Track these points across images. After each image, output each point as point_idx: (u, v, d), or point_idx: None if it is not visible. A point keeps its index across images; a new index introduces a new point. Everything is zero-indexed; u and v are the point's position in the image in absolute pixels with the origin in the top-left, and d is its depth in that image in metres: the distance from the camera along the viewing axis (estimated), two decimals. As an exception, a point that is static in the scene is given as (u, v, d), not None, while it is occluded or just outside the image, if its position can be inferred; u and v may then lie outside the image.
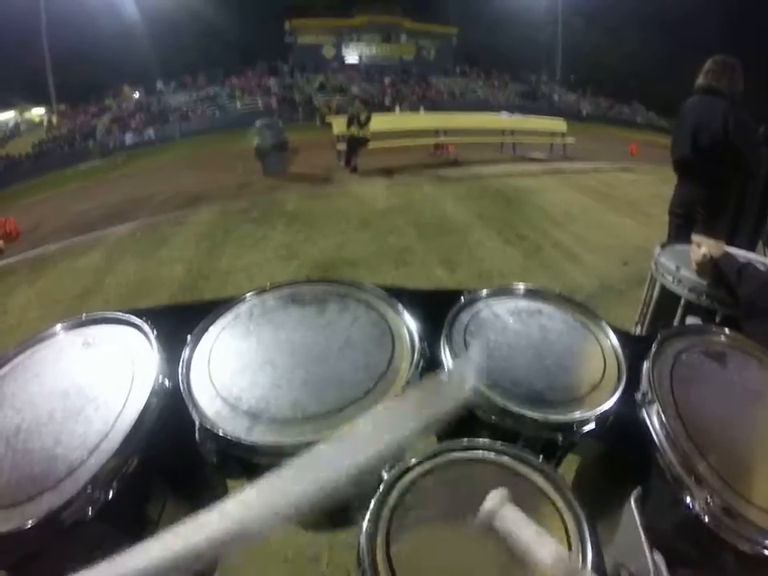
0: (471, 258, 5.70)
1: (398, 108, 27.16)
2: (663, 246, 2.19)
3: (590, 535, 0.72)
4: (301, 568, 2.17)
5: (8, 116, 28.40)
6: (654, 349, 1.09)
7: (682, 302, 1.91)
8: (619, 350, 1.12)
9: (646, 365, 1.05)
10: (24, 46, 27.06)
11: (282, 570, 2.15)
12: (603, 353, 1.12)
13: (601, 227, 6.95)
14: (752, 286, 1.41)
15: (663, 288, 2.08)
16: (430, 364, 1.04)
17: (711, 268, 1.59)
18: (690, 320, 1.87)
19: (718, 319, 1.71)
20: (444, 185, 9.61)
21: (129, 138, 24.81)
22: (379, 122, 11.32)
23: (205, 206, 8.50)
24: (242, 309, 1.18)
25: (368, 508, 0.76)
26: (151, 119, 26.71)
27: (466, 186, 9.49)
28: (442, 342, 1.09)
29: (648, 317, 2.28)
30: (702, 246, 1.60)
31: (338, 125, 10.94)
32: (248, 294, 1.21)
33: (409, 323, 1.10)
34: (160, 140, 24.44)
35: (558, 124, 14.53)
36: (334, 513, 1.09)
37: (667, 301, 2.03)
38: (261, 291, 1.23)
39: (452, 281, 5.03)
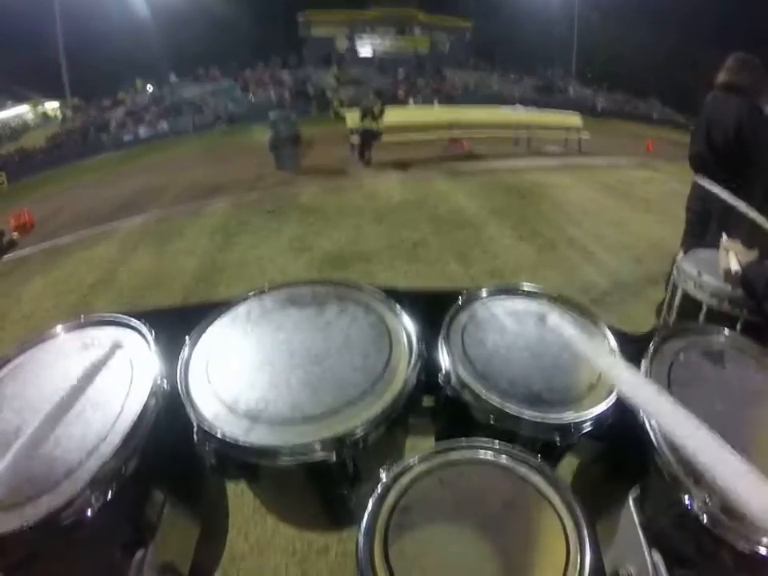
0: (485, 254, 5.67)
1: (411, 101, 27.08)
2: (686, 252, 2.15)
3: (589, 535, 0.72)
4: (309, 559, 2.18)
5: (22, 110, 28.61)
6: (651, 349, 1.09)
7: (704, 308, 1.88)
8: (617, 351, 1.11)
9: (643, 365, 1.05)
10: (38, 40, 27.26)
11: (291, 562, 2.17)
12: None
13: (615, 224, 6.87)
14: None
15: (685, 294, 2.04)
16: (428, 365, 1.05)
17: (739, 275, 1.53)
18: None
19: (740, 325, 1.68)
20: (458, 179, 9.57)
21: (142, 131, 24.93)
22: (393, 115, 11.24)
23: (219, 198, 8.54)
24: (240, 310, 1.18)
25: (367, 507, 0.77)
26: (165, 112, 26.81)
27: (481, 180, 9.44)
28: (440, 343, 1.10)
29: (670, 323, 2.24)
30: (731, 252, 1.55)
31: (352, 118, 10.93)
32: (247, 296, 1.22)
33: (407, 325, 1.11)
34: (174, 133, 24.52)
35: (574, 119, 14.40)
36: (337, 512, 1.10)
37: (689, 307, 2.00)
38: (259, 292, 1.23)
39: (466, 276, 5.02)
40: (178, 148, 19.56)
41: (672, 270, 2.20)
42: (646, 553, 0.90)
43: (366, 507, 0.77)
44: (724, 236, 1.74)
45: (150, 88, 29.85)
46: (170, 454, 0.99)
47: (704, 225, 3.46)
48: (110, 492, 0.80)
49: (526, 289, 1.32)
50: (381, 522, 0.75)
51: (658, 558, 0.89)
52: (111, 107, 27.79)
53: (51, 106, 29.19)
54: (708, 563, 0.86)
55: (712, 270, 1.81)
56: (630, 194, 8.70)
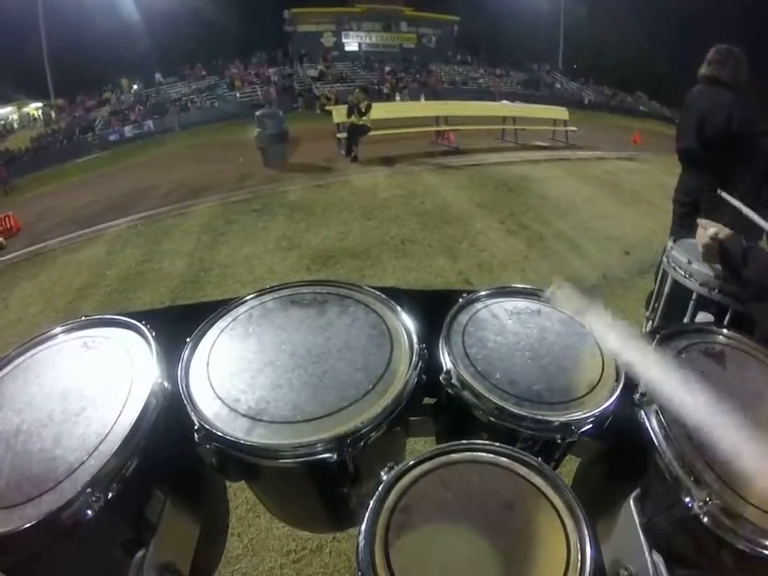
0: (473, 248, 5.68)
1: (398, 96, 27.03)
2: (675, 240, 2.16)
3: (589, 535, 0.72)
4: (304, 559, 2.19)
5: (6, 111, 28.31)
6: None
7: (694, 296, 1.89)
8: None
9: None
10: (21, 40, 26.93)
11: (286, 562, 2.18)
12: (601, 353, 1.12)
13: (603, 217, 6.91)
14: (757, 267, 1.40)
15: (675, 282, 2.05)
16: (429, 365, 1.05)
17: (717, 250, 1.56)
18: (701, 315, 1.85)
19: (729, 314, 1.69)
20: (445, 173, 9.57)
21: (128, 131, 24.70)
22: (380, 111, 11.22)
23: (206, 197, 8.46)
24: (241, 310, 1.18)
25: (367, 508, 0.77)
26: (150, 111, 26.58)
27: (468, 174, 9.45)
28: (441, 343, 1.10)
29: (659, 312, 2.26)
30: (708, 229, 1.58)
31: (339, 114, 10.87)
32: (248, 296, 1.21)
33: (407, 324, 1.11)
34: (159, 132, 24.31)
35: (560, 112, 14.45)
36: (338, 512, 1.10)
37: (679, 296, 2.01)
38: (260, 293, 1.23)
39: (453, 270, 5.03)
40: (164, 147, 19.40)
41: (662, 258, 2.21)
42: (646, 553, 0.91)
43: (366, 507, 0.77)
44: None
45: (135, 87, 29.50)
46: (170, 453, 0.99)
47: (691, 217, 3.49)
48: (110, 492, 0.80)
49: (526, 289, 1.33)
50: (381, 521, 0.75)
51: (657, 558, 0.90)
52: (96, 107, 27.51)
53: (36, 106, 28.88)
54: (708, 563, 0.87)
55: (702, 258, 1.82)
56: (617, 186, 8.75)
